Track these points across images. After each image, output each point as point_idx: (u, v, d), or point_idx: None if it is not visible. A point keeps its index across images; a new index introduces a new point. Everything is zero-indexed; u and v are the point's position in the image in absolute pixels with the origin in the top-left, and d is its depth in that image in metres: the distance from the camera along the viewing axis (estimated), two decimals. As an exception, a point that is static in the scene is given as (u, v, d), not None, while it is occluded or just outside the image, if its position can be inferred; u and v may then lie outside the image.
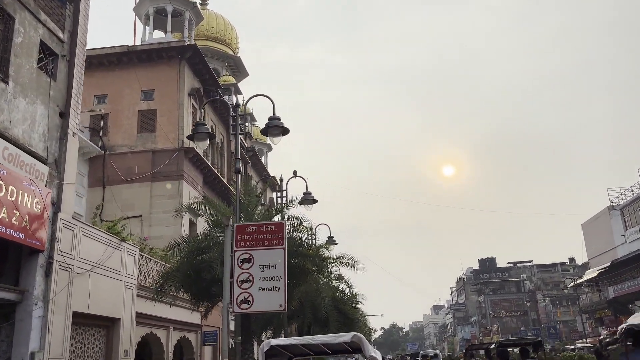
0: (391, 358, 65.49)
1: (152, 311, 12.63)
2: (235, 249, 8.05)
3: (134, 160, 23.36)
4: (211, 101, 29.04)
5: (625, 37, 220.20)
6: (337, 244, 18.40)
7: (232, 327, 16.90)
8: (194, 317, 15.44)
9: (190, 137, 9.77)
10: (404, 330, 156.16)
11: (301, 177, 15.30)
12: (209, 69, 26.30)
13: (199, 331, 16.55)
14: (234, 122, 10.20)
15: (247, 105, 38.50)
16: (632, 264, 37.12)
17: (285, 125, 9.58)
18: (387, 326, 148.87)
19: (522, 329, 68.95)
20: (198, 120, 27.84)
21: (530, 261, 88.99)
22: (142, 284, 12.39)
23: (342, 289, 16.94)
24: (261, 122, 51.85)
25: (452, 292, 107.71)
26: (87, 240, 10.19)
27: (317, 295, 15.16)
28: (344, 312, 15.33)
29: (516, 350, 14.00)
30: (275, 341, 5.43)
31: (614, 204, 41.46)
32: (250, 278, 7.89)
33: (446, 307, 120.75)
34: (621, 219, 40.26)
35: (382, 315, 61.59)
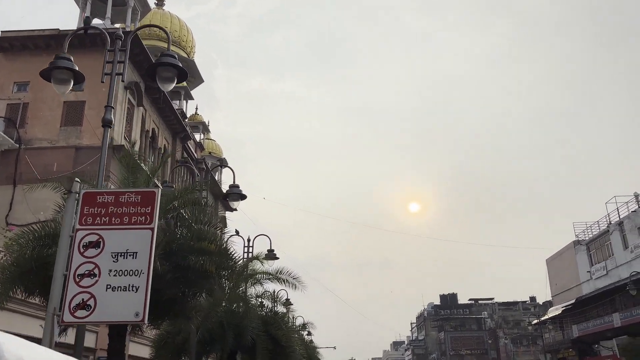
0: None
1: (10, 327, 9.60)
2: (77, 227, 5.36)
3: (53, 156, 20.32)
4: (156, 103, 26.40)
5: (586, 89, 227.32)
6: (277, 258, 15.78)
7: (133, 352, 13.48)
8: (89, 339, 12.39)
9: (44, 75, 7.10)
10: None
11: (229, 167, 12.71)
12: (151, 62, 23.58)
13: (92, 357, 13.40)
14: (108, 60, 7.61)
15: (199, 114, 35.61)
16: (597, 301, 35.42)
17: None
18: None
19: (482, 367, 66.65)
20: (146, 127, 25.13)
21: (491, 298, 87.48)
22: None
23: (277, 310, 14.24)
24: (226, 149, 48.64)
25: (412, 328, 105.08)
26: None
27: (243, 316, 12.43)
28: (277, 339, 12.57)
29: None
30: None
31: (580, 239, 40.02)
32: (96, 271, 5.21)
33: (406, 343, 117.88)
34: (587, 255, 38.78)
35: (334, 347, 57.70)
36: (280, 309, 21.69)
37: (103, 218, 5.41)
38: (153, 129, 26.36)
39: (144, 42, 27.62)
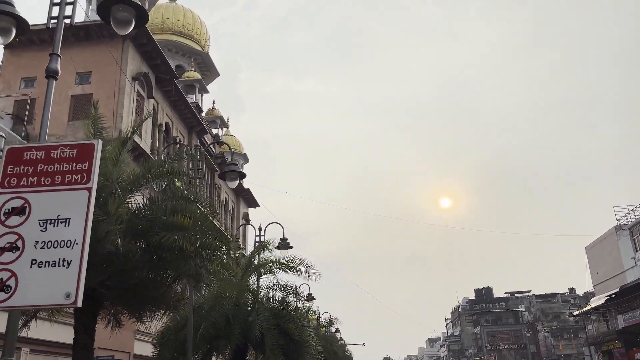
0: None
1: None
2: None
3: (61, 152, 19.68)
4: (168, 95, 25.61)
5: (627, 69, 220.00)
6: (291, 247, 14.68)
7: (140, 351, 12.73)
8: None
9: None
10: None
11: (226, 144, 11.60)
12: (159, 53, 22.84)
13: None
14: None
15: (216, 108, 34.84)
16: (643, 289, 33.24)
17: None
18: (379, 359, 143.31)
19: (521, 362, 64.33)
20: (151, 116, 24.26)
21: (528, 291, 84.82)
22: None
23: (289, 301, 13.03)
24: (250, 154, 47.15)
25: (447, 324, 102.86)
26: None
27: (251, 309, 11.37)
28: (289, 333, 11.43)
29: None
30: None
31: (622, 224, 37.73)
32: (19, 243, 4.16)
33: (441, 339, 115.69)
34: (630, 240, 36.47)
35: (363, 344, 56.05)
36: (304, 305, 20.60)
37: (30, 178, 4.36)
38: (166, 123, 25.59)
39: (157, 37, 26.95)
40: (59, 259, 4.09)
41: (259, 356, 12.79)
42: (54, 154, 4.42)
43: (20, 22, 5.81)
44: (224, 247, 6.92)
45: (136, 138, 21.54)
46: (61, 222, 4.20)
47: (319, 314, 30.71)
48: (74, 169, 4.35)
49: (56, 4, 5.98)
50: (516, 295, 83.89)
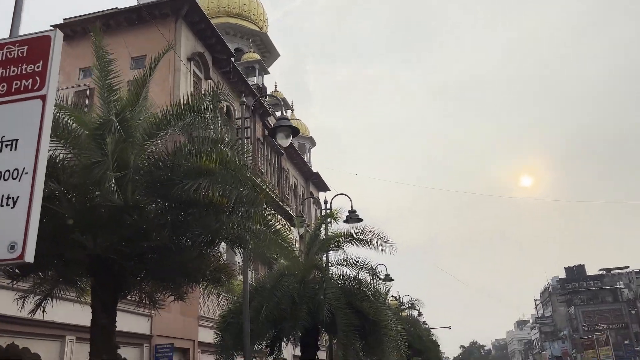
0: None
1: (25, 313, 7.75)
2: None
3: (122, 139, 19.25)
4: (227, 77, 24.77)
5: None
6: (361, 220, 13.21)
7: (205, 338, 11.67)
8: (140, 324, 10.63)
9: None
10: (485, 348, 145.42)
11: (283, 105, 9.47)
12: (214, 31, 21.97)
13: (148, 344, 11.54)
14: None
15: (279, 90, 33.77)
16: None
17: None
18: (467, 344, 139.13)
19: (626, 342, 59.39)
20: (203, 91, 23.54)
21: (626, 267, 78.40)
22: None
23: (361, 278, 11.47)
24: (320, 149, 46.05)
25: (536, 305, 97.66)
26: None
27: (319, 287, 10.03)
28: (363, 312, 9.99)
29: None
30: None
31: None
32: (-49, 179, 2.96)
33: (531, 321, 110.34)
34: None
35: (449, 327, 53.44)
36: (382, 286, 19.07)
37: (-31, 91, 3.15)
38: (227, 105, 24.78)
39: (214, 21, 26.16)
40: (2, 196, 2.86)
41: (332, 339, 11.45)
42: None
43: None
44: (264, 200, 5.52)
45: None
46: (6, 146, 2.95)
47: (399, 297, 29.11)
48: (23, 72, 3.09)
49: None
50: (612, 271, 77.89)
